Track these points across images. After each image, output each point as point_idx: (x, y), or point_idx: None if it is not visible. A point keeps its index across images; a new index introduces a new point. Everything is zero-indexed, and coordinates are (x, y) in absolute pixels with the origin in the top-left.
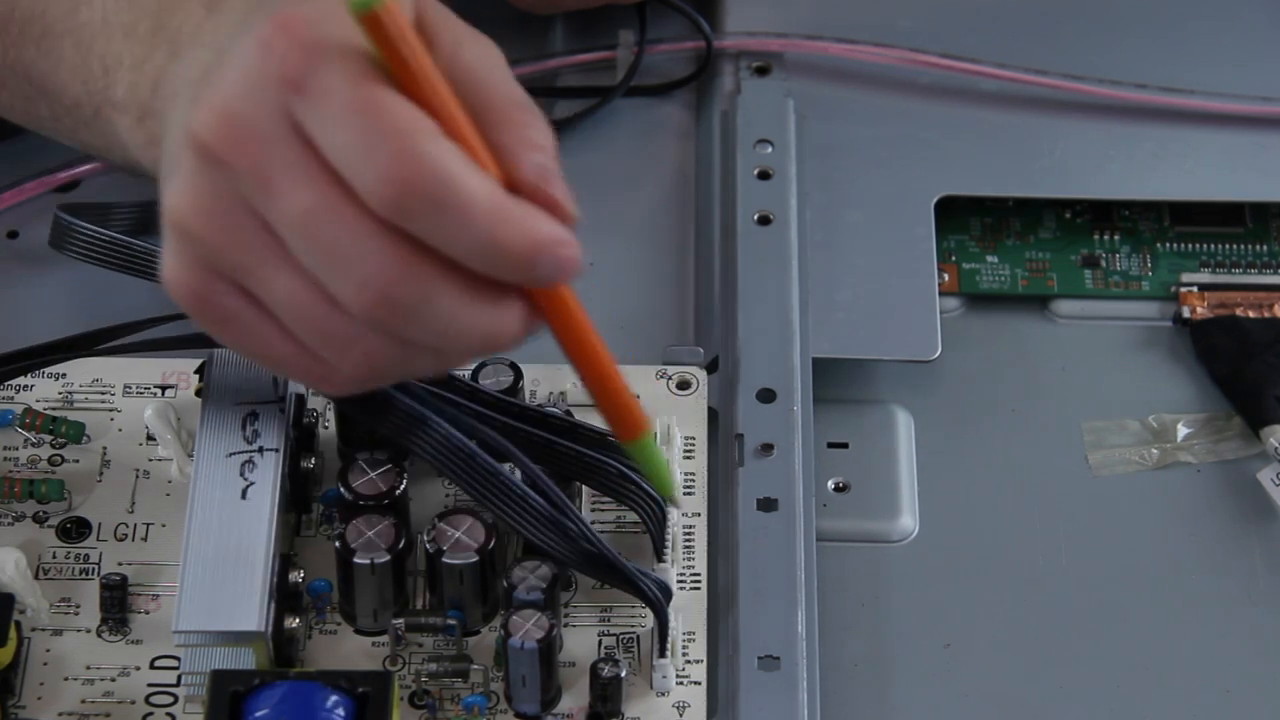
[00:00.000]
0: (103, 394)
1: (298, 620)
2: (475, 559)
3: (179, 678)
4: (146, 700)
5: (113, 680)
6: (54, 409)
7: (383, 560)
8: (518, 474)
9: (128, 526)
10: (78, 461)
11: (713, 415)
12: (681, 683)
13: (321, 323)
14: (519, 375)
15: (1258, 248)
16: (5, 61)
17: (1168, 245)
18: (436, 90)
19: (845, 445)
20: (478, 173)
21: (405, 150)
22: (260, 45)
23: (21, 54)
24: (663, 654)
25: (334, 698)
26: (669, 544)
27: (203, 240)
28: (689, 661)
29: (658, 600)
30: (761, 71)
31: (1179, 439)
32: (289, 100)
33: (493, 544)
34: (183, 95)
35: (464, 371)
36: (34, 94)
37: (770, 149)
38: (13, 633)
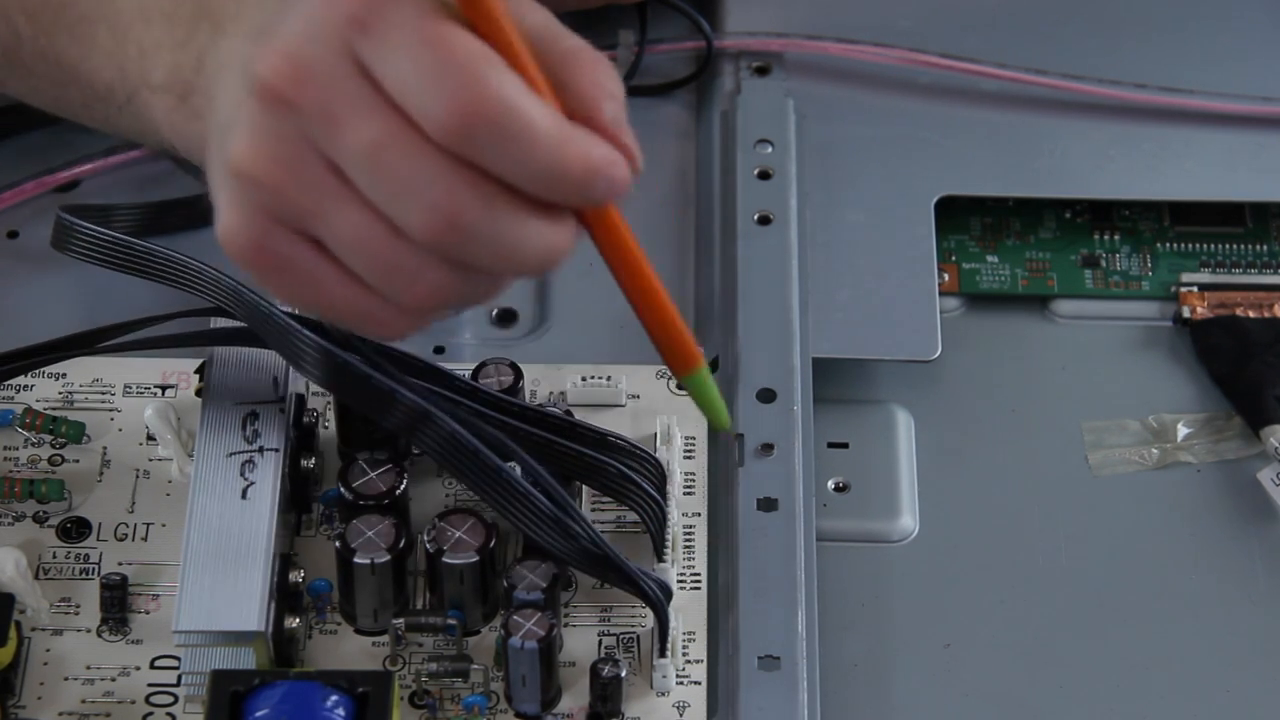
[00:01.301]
0: (103, 394)
1: (298, 620)
2: (475, 559)
3: (179, 678)
4: (146, 700)
5: (113, 680)
6: (54, 409)
7: (383, 560)
8: (518, 470)
9: (128, 526)
10: (78, 461)
11: None
12: (681, 683)
13: (387, 256)
14: (519, 375)
15: (1258, 248)
16: (36, 48)
17: (1168, 245)
18: (506, 27)
19: (845, 445)
20: (539, 101)
21: (469, 80)
22: None
23: (53, 41)
24: (663, 654)
25: (334, 698)
26: (669, 544)
27: (267, 185)
28: (689, 661)
29: (659, 600)
30: (761, 71)
31: (1179, 439)
32: (353, 39)
33: (493, 544)
34: (233, 63)
35: (464, 371)
36: (65, 80)
37: (770, 149)
38: (13, 633)
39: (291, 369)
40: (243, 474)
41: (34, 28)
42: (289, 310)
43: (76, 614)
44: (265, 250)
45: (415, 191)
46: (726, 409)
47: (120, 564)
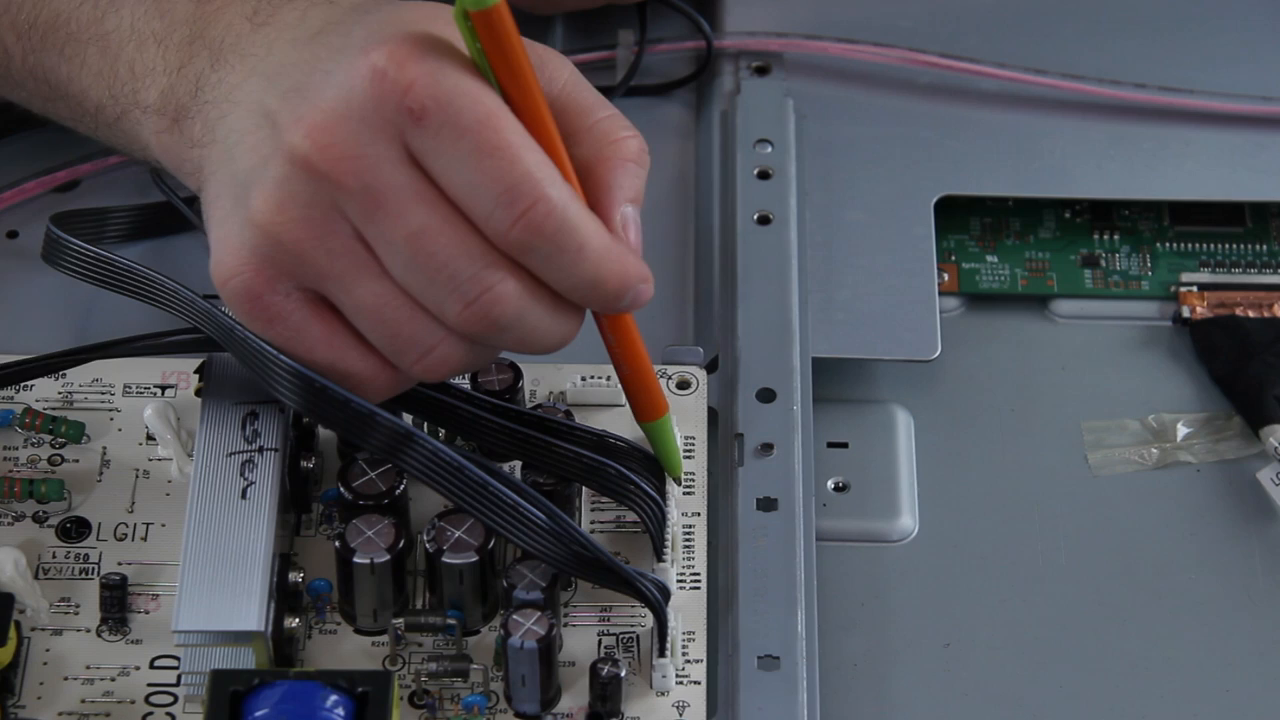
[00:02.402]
0: (103, 394)
1: (298, 620)
2: (475, 559)
3: (179, 677)
4: (146, 700)
5: (113, 680)
6: (54, 409)
7: (382, 560)
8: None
9: (128, 526)
10: (78, 461)
11: (713, 415)
12: (681, 682)
13: (404, 329)
14: (519, 375)
15: (1258, 247)
16: (25, 66)
17: (1167, 245)
18: (537, 98)
19: (845, 445)
20: (590, 215)
21: (535, 195)
22: (374, 73)
23: (42, 59)
24: (662, 654)
25: (334, 697)
26: (669, 544)
27: (288, 244)
28: (689, 661)
29: (656, 601)
30: (761, 71)
31: (1179, 439)
32: (406, 127)
33: (492, 543)
34: (245, 103)
35: (462, 375)
36: (53, 97)
37: (770, 149)
38: (13, 632)
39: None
40: (242, 474)
41: (23, 46)
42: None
43: (76, 614)
44: (261, 301)
45: (456, 282)
46: (679, 458)
47: (120, 564)
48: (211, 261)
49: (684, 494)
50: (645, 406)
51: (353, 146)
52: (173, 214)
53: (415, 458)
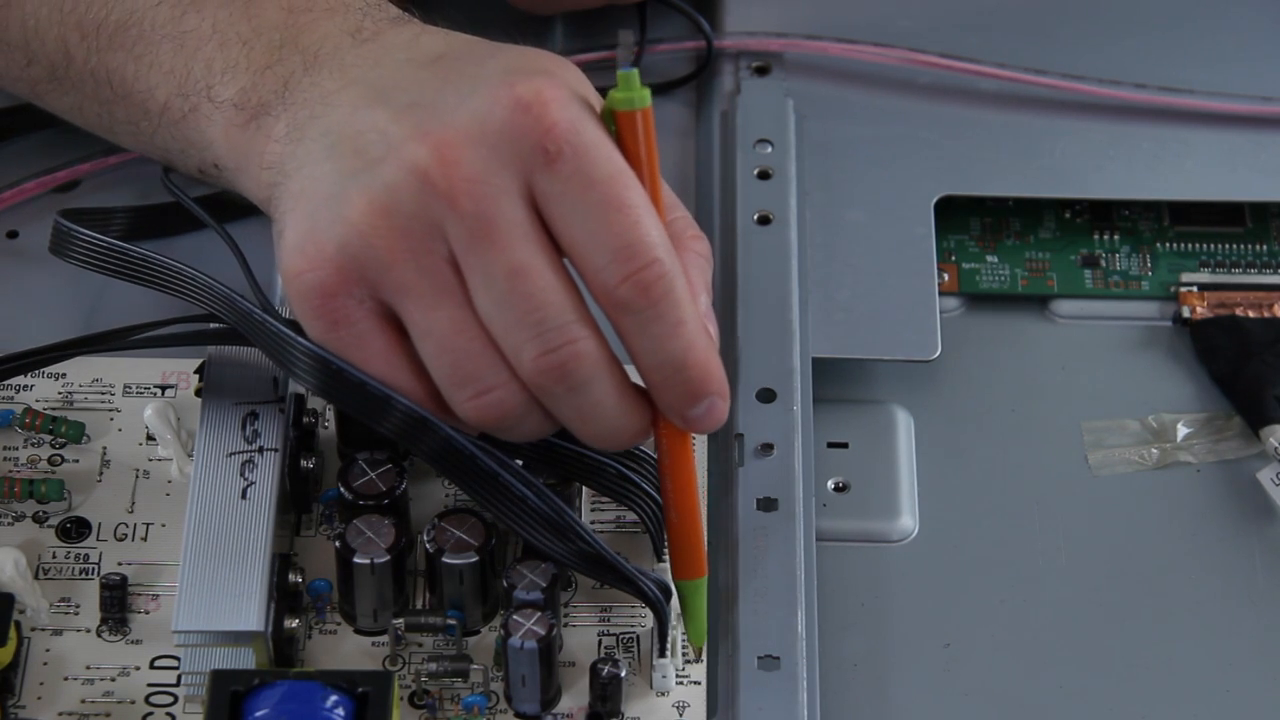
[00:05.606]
0: (103, 394)
1: (298, 620)
2: (475, 559)
3: (179, 678)
4: (146, 700)
5: (113, 680)
6: (54, 409)
7: (383, 560)
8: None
9: (128, 526)
10: (78, 461)
11: None
12: (681, 682)
13: (472, 361)
14: None
15: (1258, 248)
16: (87, 68)
17: (1167, 245)
18: (660, 190)
19: (845, 445)
20: (693, 302)
21: (652, 261)
22: (518, 105)
23: (106, 59)
24: (663, 654)
25: (334, 698)
26: (668, 544)
27: (381, 252)
28: (689, 661)
29: (658, 600)
30: (761, 71)
31: (1179, 439)
32: (535, 166)
33: (493, 544)
34: (345, 108)
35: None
36: (113, 98)
37: (770, 149)
38: (13, 633)
39: None
40: (243, 474)
41: (86, 46)
42: (282, 317)
43: (76, 614)
44: (333, 301)
45: (544, 328)
46: (704, 628)
47: (120, 564)
48: (285, 251)
49: None
50: (686, 562)
51: (478, 171)
52: (173, 216)
53: (429, 444)
